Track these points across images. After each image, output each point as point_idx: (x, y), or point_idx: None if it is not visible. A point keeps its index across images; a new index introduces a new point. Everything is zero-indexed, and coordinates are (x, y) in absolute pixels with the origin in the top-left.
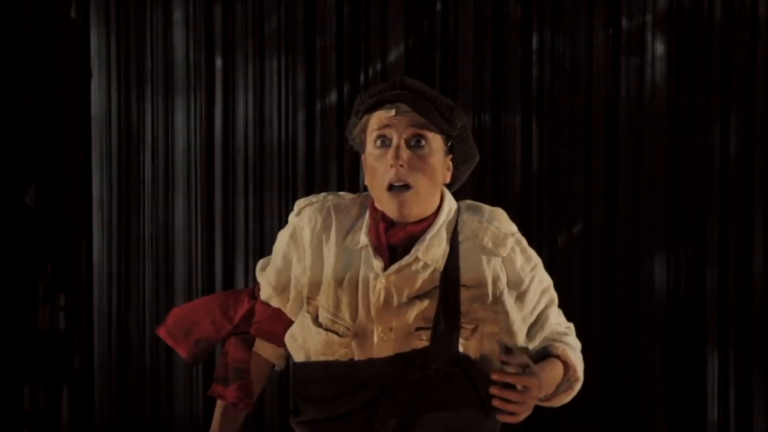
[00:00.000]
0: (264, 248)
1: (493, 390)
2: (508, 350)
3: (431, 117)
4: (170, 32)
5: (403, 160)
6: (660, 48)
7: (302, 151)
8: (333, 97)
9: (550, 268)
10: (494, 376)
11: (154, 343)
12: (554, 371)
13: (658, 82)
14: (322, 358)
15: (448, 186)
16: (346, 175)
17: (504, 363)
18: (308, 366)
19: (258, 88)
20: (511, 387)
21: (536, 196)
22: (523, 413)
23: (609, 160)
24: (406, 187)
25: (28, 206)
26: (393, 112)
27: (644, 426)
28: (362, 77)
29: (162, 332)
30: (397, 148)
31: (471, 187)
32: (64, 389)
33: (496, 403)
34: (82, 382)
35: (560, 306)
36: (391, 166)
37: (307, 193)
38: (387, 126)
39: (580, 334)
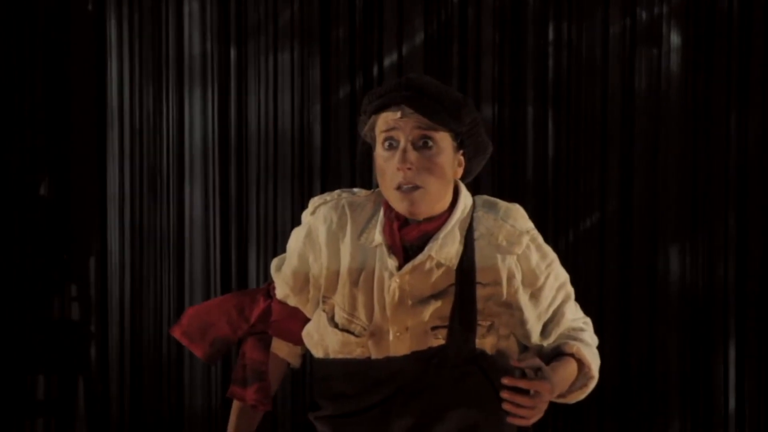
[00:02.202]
0: (278, 239)
1: (504, 394)
2: (523, 350)
3: (437, 117)
4: (185, 24)
5: (410, 162)
6: (676, 39)
7: (317, 143)
8: (348, 88)
9: (565, 259)
10: (505, 381)
11: (170, 333)
12: (568, 371)
13: (674, 74)
14: (340, 356)
15: (462, 178)
16: (360, 160)
17: (516, 367)
18: (326, 363)
19: (273, 79)
20: (522, 390)
21: (552, 187)
22: (534, 417)
23: (625, 151)
24: (415, 187)
25: (42, 197)
26: (399, 114)
27: (660, 416)
28: (377, 69)
29: (177, 333)
30: (404, 151)
31: (487, 179)
32: (79, 379)
33: (506, 406)
34: (97, 373)
35: (576, 298)
36: (399, 169)
37: (322, 184)
38: (393, 128)
39: (595, 326)
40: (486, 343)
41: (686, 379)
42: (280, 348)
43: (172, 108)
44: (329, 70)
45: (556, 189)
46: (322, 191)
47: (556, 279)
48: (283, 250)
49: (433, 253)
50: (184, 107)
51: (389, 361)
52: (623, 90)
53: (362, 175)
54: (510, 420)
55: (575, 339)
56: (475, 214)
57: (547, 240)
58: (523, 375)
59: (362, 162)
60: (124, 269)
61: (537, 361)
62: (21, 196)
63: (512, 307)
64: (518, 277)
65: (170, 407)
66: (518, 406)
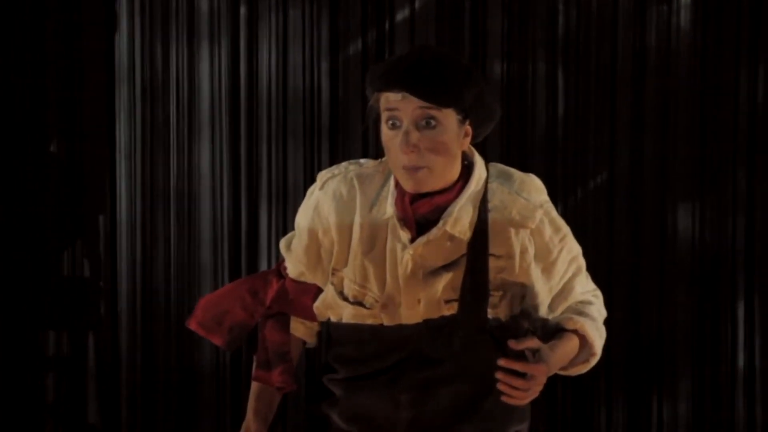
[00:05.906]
0: (288, 195)
1: (499, 375)
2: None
3: (440, 100)
4: None
5: (413, 145)
6: None
7: (327, 100)
8: (358, 45)
9: (574, 217)
10: (501, 362)
11: (180, 289)
12: (568, 348)
13: (684, 30)
14: (353, 321)
15: (471, 140)
16: (370, 125)
17: (513, 349)
18: (340, 327)
19: (283, 35)
20: (518, 372)
21: (561, 145)
22: (528, 398)
23: (635, 108)
24: (420, 167)
25: (52, 153)
26: (400, 96)
27: (670, 375)
28: (388, 25)
29: (193, 325)
30: (407, 133)
31: (496, 137)
32: (90, 335)
33: (501, 387)
34: (108, 329)
35: (584, 257)
36: (403, 152)
37: (332, 142)
38: (395, 109)
39: (604, 284)
40: (499, 312)
41: (695, 336)
42: (297, 328)
43: (181, 65)
44: (339, 27)
45: (566, 147)
46: (332, 149)
47: (569, 252)
48: (294, 206)
49: (448, 228)
50: (194, 64)
51: (401, 327)
52: (633, 47)
53: (374, 131)
54: (503, 399)
55: (581, 313)
56: (489, 185)
57: (556, 198)
58: (521, 356)
59: (373, 127)
60: (134, 225)
61: (535, 342)
62: (31, 153)
63: (524, 281)
64: (531, 251)
65: (181, 363)
66: (513, 387)
